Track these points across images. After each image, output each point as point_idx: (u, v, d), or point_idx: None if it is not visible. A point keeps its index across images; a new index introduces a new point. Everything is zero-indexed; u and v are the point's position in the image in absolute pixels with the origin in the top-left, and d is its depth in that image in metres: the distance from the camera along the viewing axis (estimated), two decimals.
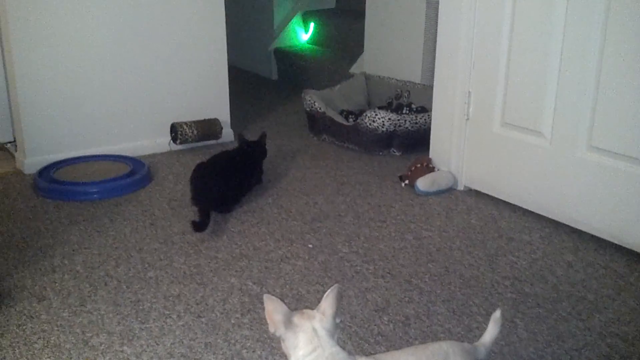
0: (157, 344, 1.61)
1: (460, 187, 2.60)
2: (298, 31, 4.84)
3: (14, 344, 1.60)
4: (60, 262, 2.01)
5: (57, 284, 1.88)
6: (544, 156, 2.25)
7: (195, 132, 3.02)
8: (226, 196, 2.35)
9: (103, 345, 1.61)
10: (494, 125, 2.41)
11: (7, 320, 1.70)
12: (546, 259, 2.04)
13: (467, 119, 2.51)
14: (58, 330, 1.66)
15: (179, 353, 1.58)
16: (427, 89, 3.20)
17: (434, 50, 2.61)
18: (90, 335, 1.64)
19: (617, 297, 1.83)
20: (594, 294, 1.84)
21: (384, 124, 2.93)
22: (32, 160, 2.74)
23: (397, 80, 3.44)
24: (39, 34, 2.65)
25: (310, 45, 4.78)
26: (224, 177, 2.37)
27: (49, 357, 1.56)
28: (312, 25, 4.76)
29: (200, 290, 1.85)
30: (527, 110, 2.29)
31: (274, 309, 1.13)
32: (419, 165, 2.62)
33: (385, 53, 3.61)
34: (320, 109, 3.16)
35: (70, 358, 1.56)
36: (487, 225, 2.29)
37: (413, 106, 3.21)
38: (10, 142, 2.97)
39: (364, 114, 2.98)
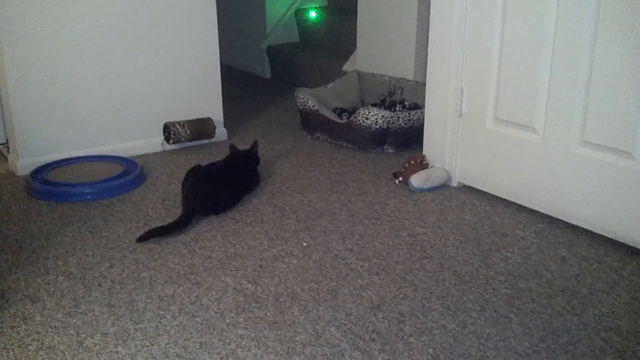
0: (152, 344, 1.61)
1: (454, 184, 2.60)
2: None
3: (8, 346, 1.60)
4: (53, 263, 2.00)
5: (50, 286, 1.87)
6: (537, 151, 2.26)
7: (188, 131, 3.01)
8: (217, 202, 2.34)
9: (98, 346, 1.60)
10: (487, 121, 2.42)
11: (1, 323, 1.69)
12: (540, 254, 2.05)
13: (460, 116, 2.51)
14: (52, 331, 1.66)
15: (173, 353, 1.57)
16: (420, 85, 3.21)
17: (426, 47, 2.61)
18: (85, 336, 1.64)
19: (611, 291, 1.83)
20: (588, 289, 1.85)
21: (377, 121, 2.93)
22: (24, 162, 2.73)
23: (390, 77, 3.45)
24: (30, 35, 2.64)
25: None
26: (216, 184, 2.36)
27: (44, 359, 1.55)
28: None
29: (195, 290, 1.85)
30: (519, 106, 2.29)
31: None
32: (412, 162, 2.62)
33: (377, 50, 3.61)
34: (313, 107, 3.16)
35: (65, 359, 1.55)
36: (481, 221, 2.29)
37: (406, 103, 3.22)
38: (2, 144, 2.96)
39: (357, 112, 2.98)
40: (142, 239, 2.13)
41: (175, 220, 2.22)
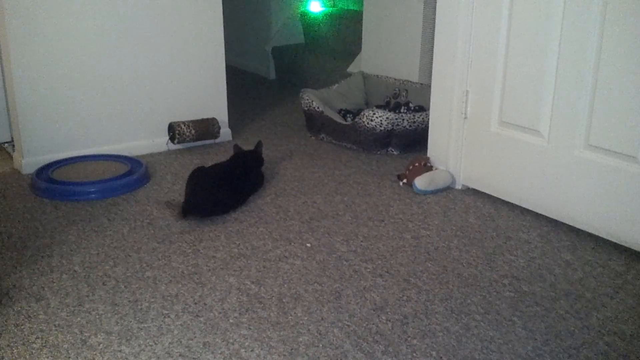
0: (156, 344, 1.61)
1: (458, 186, 2.60)
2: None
3: (12, 344, 1.60)
4: (58, 262, 2.01)
5: (55, 284, 1.88)
6: (542, 155, 2.26)
7: (193, 131, 3.02)
8: (220, 203, 2.34)
9: (101, 345, 1.60)
10: (492, 124, 2.42)
11: (5, 321, 1.70)
12: (544, 258, 2.05)
13: (465, 118, 2.51)
14: (56, 330, 1.66)
15: (177, 352, 1.58)
16: (425, 87, 3.21)
17: (432, 49, 2.61)
18: (89, 335, 1.64)
19: (615, 295, 1.83)
20: (592, 293, 1.84)
21: (382, 123, 2.93)
22: (29, 160, 2.74)
23: (395, 79, 3.45)
24: (36, 34, 2.65)
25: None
26: (219, 185, 2.36)
27: (47, 357, 1.55)
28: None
29: (199, 290, 1.85)
30: (524, 109, 2.29)
31: None
32: (417, 164, 2.62)
33: (383, 52, 3.61)
34: (318, 108, 3.16)
35: (69, 358, 1.55)
36: (485, 224, 2.29)
37: (411, 105, 3.22)
38: (7, 142, 2.97)
39: (362, 113, 2.98)
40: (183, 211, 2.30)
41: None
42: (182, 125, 3.00)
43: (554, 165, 2.22)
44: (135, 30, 2.87)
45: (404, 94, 3.31)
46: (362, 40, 3.76)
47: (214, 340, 1.62)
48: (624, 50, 1.96)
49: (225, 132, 3.22)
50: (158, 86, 3.00)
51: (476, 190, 2.56)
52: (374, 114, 2.93)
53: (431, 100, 2.64)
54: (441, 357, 1.56)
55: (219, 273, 1.94)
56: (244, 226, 2.26)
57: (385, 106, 3.28)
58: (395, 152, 3.04)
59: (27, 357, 1.56)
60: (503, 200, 2.45)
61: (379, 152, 3.04)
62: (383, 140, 2.99)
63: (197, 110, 3.12)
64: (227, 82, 3.21)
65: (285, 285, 1.87)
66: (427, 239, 2.17)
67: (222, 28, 3.11)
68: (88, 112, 2.84)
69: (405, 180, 2.62)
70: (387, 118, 2.92)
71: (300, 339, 1.62)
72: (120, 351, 1.58)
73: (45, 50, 2.69)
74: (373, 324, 1.69)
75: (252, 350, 1.58)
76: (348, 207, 2.42)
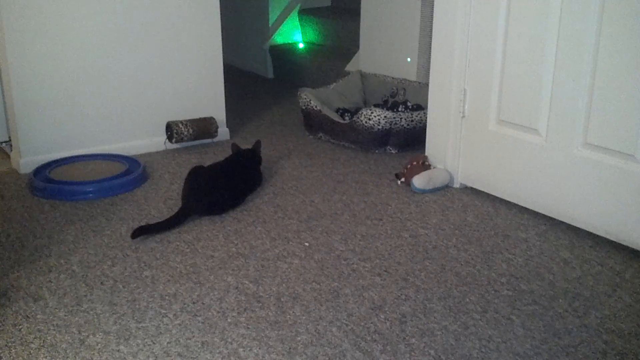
0: (154, 343, 1.61)
1: (456, 185, 2.60)
2: (295, 33, 4.85)
3: (10, 344, 1.60)
4: (56, 261, 2.00)
5: (53, 284, 1.87)
6: (540, 153, 2.26)
7: (190, 130, 3.01)
8: (218, 203, 2.34)
9: (99, 344, 1.60)
10: (490, 122, 2.42)
11: (3, 321, 1.69)
12: (542, 256, 2.05)
13: (463, 117, 2.51)
14: (54, 330, 1.66)
15: (175, 352, 1.58)
16: (423, 86, 3.21)
17: (430, 47, 2.61)
18: (87, 334, 1.64)
19: (613, 293, 1.83)
20: (590, 291, 1.84)
21: (379, 122, 2.93)
22: (27, 160, 2.73)
23: (393, 78, 3.45)
24: (33, 33, 2.64)
25: (306, 44, 4.78)
26: (217, 184, 2.36)
27: (45, 357, 1.55)
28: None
29: (197, 289, 1.85)
30: (522, 107, 2.29)
31: None
32: (415, 163, 2.62)
33: (380, 51, 3.61)
34: (316, 107, 3.16)
35: (67, 358, 1.55)
36: (483, 223, 2.29)
37: (409, 104, 3.22)
38: (5, 142, 2.96)
39: (360, 112, 2.98)
40: (135, 235, 2.13)
41: (169, 217, 2.23)
42: (180, 125, 3.00)
43: (552, 163, 2.22)
44: (133, 29, 2.87)
45: (402, 92, 3.31)
46: (360, 39, 3.76)
47: (212, 339, 1.62)
48: (621, 48, 1.96)
49: (223, 132, 3.22)
50: (156, 85, 2.99)
51: (474, 188, 2.56)
52: (372, 112, 2.93)
53: (429, 99, 2.64)
54: (439, 356, 1.56)
55: (217, 272, 1.94)
56: (242, 225, 2.26)
57: (383, 105, 3.28)
58: (393, 151, 3.04)
59: (25, 357, 1.56)
60: (501, 199, 2.45)
61: (377, 151, 3.04)
62: (381, 139, 2.99)
63: (195, 109, 3.12)
64: (225, 81, 3.21)
65: (284, 285, 1.87)
66: (425, 238, 2.17)
67: (219, 27, 3.11)
68: (86, 111, 2.84)
69: (403, 179, 2.62)
70: (385, 117, 2.92)
71: (299, 338, 1.62)
72: (118, 351, 1.58)
73: (43, 50, 2.68)
74: (371, 322, 1.69)
75: (250, 350, 1.58)
76: (346, 206, 2.42)
